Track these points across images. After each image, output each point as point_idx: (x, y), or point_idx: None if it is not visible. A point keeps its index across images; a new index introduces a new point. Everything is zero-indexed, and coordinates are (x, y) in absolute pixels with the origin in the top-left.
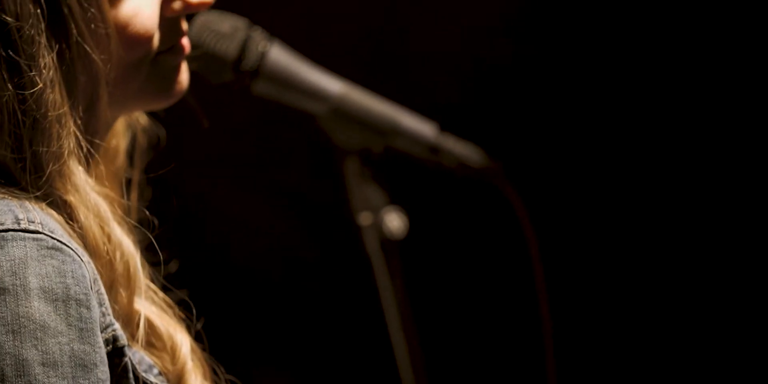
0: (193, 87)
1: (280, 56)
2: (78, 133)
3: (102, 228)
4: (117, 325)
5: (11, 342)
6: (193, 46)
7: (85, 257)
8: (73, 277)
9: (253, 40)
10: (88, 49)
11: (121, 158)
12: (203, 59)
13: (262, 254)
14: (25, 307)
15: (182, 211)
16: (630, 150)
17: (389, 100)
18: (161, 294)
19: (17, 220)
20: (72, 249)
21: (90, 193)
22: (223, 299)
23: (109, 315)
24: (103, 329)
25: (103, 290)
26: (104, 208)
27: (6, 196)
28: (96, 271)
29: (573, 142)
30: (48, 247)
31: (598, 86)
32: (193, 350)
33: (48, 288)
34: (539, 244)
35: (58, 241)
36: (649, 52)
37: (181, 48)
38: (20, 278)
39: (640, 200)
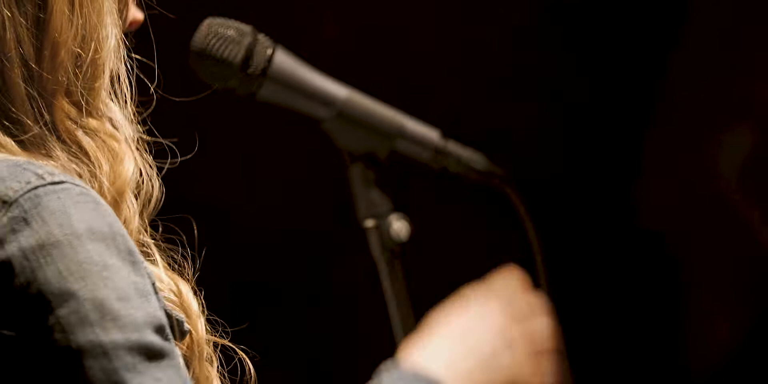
0: None
1: (286, 60)
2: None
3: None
4: (146, 263)
5: (85, 287)
6: (199, 51)
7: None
8: (110, 215)
9: (260, 44)
10: None
11: None
12: (209, 64)
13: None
14: (84, 252)
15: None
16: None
17: (391, 105)
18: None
19: (40, 176)
20: (92, 191)
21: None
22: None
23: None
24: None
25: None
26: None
27: (7, 155)
28: None
29: (575, 146)
30: (77, 194)
31: (602, 86)
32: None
33: (95, 229)
34: (545, 250)
35: (80, 186)
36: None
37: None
38: (68, 228)
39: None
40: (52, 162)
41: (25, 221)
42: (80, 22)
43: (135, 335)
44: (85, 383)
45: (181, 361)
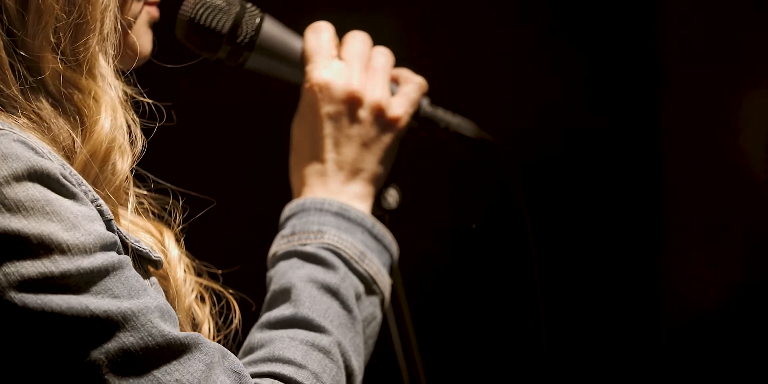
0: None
1: (274, 28)
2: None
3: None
4: (102, 201)
5: (28, 225)
6: (188, 20)
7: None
8: (49, 159)
9: (248, 13)
10: None
11: None
12: (198, 34)
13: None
14: (23, 191)
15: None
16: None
17: None
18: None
19: None
20: (30, 139)
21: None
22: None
23: (91, 191)
24: (92, 201)
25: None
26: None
27: None
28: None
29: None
30: (14, 140)
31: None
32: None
33: (34, 169)
34: (533, 220)
35: (17, 134)
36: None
37: (157, 7)
38: (6, 170)
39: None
40: (14, 119)
41: None
42: None
43: (86, 261)
44: (44, 316)
45: (132, 270)
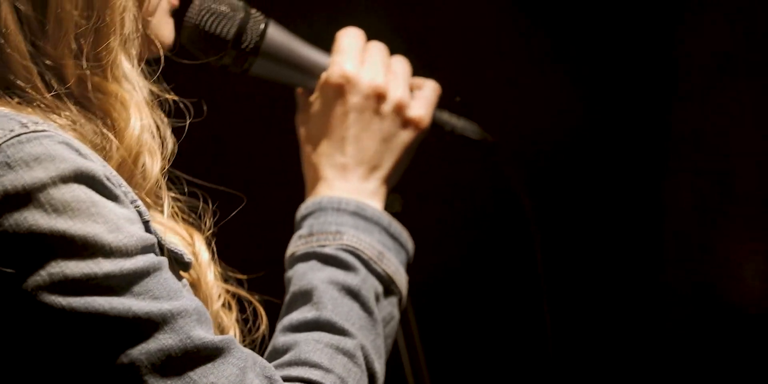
0: None
1: (278, 34)
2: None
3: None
4: (140, 203)
5: (74, 226)
6: (192, 27)
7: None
8: (93, 160)
9: (252, 19)
10: None
11: None
12: (203, 39)
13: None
14: (69, 192)
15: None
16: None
17: None
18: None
19: (23, 125)
20: (74, 141)
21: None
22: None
23: (131, 193)
24: (131, 202)
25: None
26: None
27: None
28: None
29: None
30: (59, 141)
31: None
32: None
33: (80, 170)
34: (539, 221)
35: (62, 135)
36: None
37: None
38: (53, 170)
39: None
40: (55, 120)
41: (9, 166)
42: None
43: (128, 263)
44: (88, 317)
45: (169, 272)
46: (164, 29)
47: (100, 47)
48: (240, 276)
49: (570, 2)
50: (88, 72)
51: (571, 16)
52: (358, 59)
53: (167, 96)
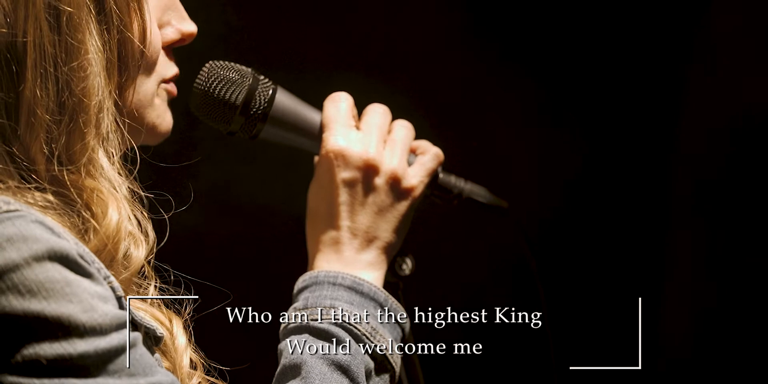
0: None
1: (286, 99)
2: (116, 118)
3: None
4: (113, 278)
5: (48, 306)
6: (202, 93)
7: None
8: (65, 239)
9: (261, 85)
10: (129, 36)
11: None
12: (212, 106)
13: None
14: (43, 272)
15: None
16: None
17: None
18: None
19: None
20: (47, 219)
21: (116, 179)
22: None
23: (103, 269)
24: (104, 278)
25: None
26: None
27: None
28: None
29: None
30: (32, 221)
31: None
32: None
33: (53, 250)
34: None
35: (34, 215)
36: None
37: (174, 83)
38: (26, 251)
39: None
40: (31, 198)
41: None
42: (59, 93)
43: (103, 342)
44: None
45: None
46: (162, 117)
47: (74, 148)
48: (222, 367)
49: (575, 65)
50: (61, 172)
51: (572, 76)
52: (348, 129)
53: (145, 194)
